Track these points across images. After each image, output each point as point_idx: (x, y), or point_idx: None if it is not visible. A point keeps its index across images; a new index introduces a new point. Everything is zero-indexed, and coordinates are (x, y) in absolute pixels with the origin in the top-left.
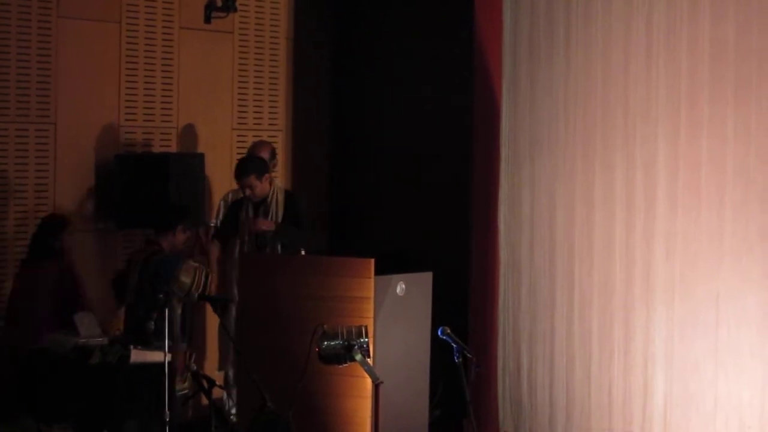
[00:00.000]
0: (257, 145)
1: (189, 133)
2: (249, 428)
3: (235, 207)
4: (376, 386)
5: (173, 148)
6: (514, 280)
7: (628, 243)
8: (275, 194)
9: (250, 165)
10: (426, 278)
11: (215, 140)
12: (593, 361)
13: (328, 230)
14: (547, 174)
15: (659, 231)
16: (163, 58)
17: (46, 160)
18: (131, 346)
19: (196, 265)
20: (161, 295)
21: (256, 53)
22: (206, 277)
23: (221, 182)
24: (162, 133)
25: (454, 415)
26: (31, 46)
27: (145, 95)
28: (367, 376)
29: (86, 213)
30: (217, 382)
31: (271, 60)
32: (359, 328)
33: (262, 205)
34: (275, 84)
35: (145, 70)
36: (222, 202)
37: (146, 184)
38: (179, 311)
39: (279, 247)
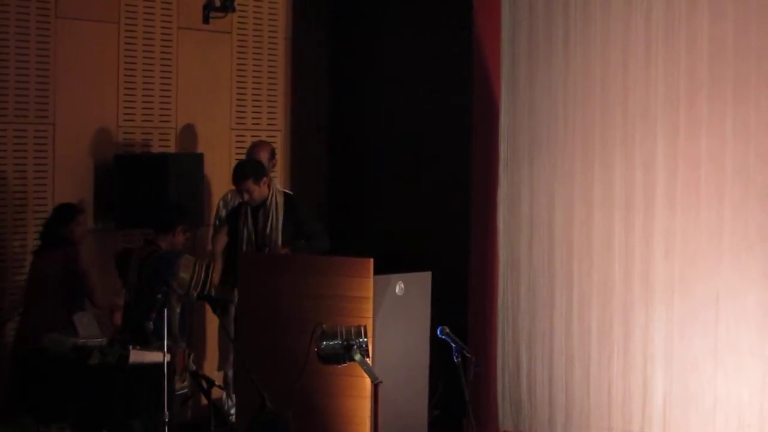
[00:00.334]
0: (257, 145)
1: (188, 133)
2: (248, 428)
3: (233, 215)
4: (376, 386)
5: (172, 149)
6: (513, 280)
7: (628, 242)
8: (274, 197)
9: (247, 169)
10: (425, 278)
11: (214, 140)
12: (592, 360)
13: (327, 230)
14: (546, 173)
15: (658, 230)
16: (161, 59)
17: (45, 160)
18: (130, 347)
19: (194, 259)
20: (160, 296)
21: (254, 53)
22: (206, 271)
23: (220, 182)
24: (161, 134)
25: (454, 415)
26: (30, 46)
27: (144, 95)
28: (366, 375)
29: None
30: (217, 383)
31: (269, 60)
32: (358, 327)
33: (261, 210)
34: (274, 84)
35: (144, 70)
36: (221, 202)
37: (145, 185)
38: (178, 310)
39: None
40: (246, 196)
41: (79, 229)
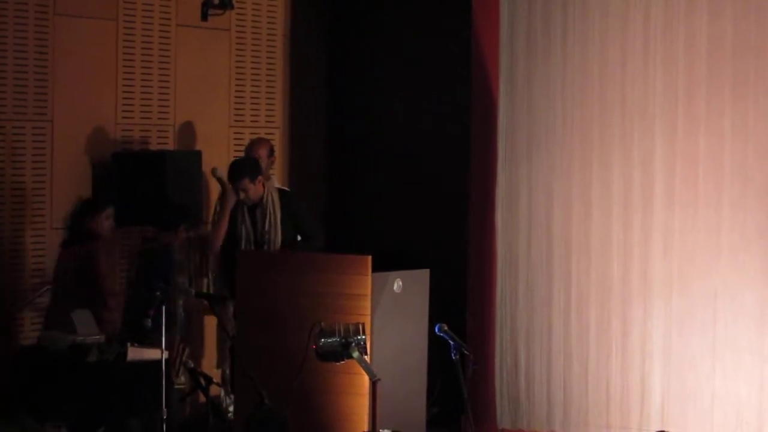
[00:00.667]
0: (255, 143)
1: (186, 130)
2: (246, 425)
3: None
4: (374, 383)
5: (170, 146)
6: (511, 277)
7: (626, 240)
8: (270, 195)
9: (243, 168)
10: (423, 275)
11: (212, 138)
12: (591, 357)
13: (325, 227)
14: (545, 171)
15: (657, 227)
16: (160, 56)
17: (43, 157)
18: (128, 344)
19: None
20: (158, 293)
21: (253, 50)
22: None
23: None
24: (159, 131)
25: (452, 412)
26: (28, 43)
27: (142, 93)
28: (364, 373)
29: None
30: (215, 380)
31: (268, 57)
32: (356, 325)
33: (257, 208)
34: (272, 81)
35: (142, 67)
36: (219, 200)
37: (143, 182)
38: (180, 302)
39: None
40: (242, 195)
41: (106, 223)
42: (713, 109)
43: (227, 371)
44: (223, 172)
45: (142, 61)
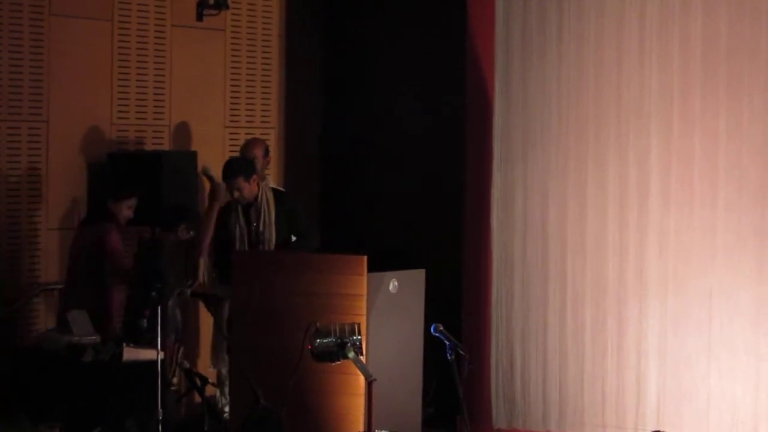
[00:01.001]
0: (250, 143)
1: (181, 131)
2: (242, 425)
3: (223, 214)
4: (369, 383)
5: (166, 146)
6: (507, 277)
7: (621, 239)
8: (264, 194)
9: (237, 166)
10: (419, 275)
11: (208, 138)
12: (586, 357)
13: (320, 227)
14: (540, 171)
15: (652, 227)
16: (155, 56)
17: (39, 158)
18: (124, 344)
19: (178, 254)
20: (154, 293)
21: (248, 51)
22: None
23: None
24: (154, 131)
25: (448, 413)
26: (23, 44)
27: (138, 93)
28: (360, 373)
29: (78, 210)
30: (210, 380)
31: (263, 57)
32: (352, 325)
33: (252, 207)
34: (267, 81)
35: (138, 67)
36: None
37: (139, 182)
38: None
39: None
40: (236, 194)
41: (126, 212)
42: (708, 108)
43: (223, 371)
44: (214, 171)
45: (138, 61)
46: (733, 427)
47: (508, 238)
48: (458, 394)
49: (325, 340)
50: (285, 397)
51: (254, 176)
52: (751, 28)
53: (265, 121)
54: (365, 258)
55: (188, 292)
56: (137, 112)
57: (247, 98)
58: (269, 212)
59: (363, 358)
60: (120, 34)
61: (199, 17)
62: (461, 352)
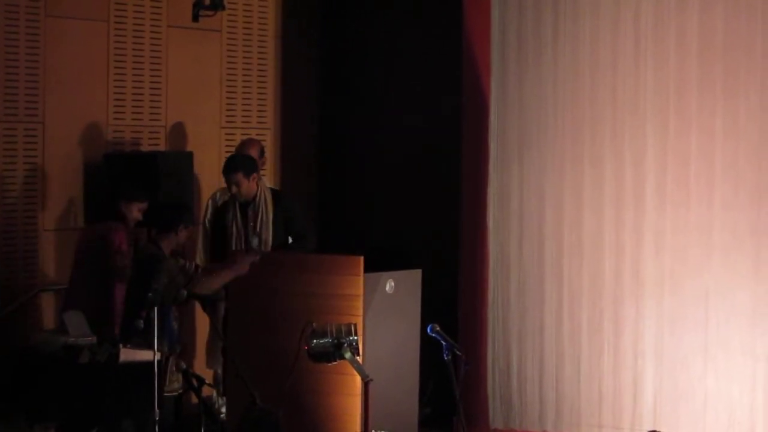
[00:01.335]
0: (246, 143)
1: (177, 131)
2: (238, 426)
3: (221, 212)
4: (366, 384)
5: (162, 147)
6: (503, 277)
7: (618, 239)
8: (263, 194)
9: (238, 162)
10: (415, 276)
11: (204, 139)
12: (583, 357)
13: (317, 228)
14: (536, 171)
15: (648, 226)
16: (151, 57)
17: (35, 159)
18: (120, 345)
19: (177, 264)
20: (150, 294)
21: (244, 51)
22: (186, 276)
23: (210, 181)
24: (150, 132)
25: (444, 413)
26: (19, 45)
27: (134, 94)
28: (356, 373)
29: (75, 211)
30: (207, 381)
31: (259, 58)
32: (348, 325)
33: (250, 206)
34: (264, 82)
35: (134, 68)
36: (210, 201)
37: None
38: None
39: None
40: (234, 189)
41: (136, 214)
42: (704, 107)
43: (219, 372)
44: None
45: (134, 62)
46: (730, 428)
47: (504, 239)
48: (455, 394)
49: (321, 341)
50: (282, 397)
51: (254, 174)
52: (747, 25)
53: (261, 121)
54: (362, 258)
55: (184, 293)
56: (133, 112)
57: (244, 99)
58: (267, 212)
59: (359, 359)
60: (116, 35)
61: (195, 18)
62: (458, 352)
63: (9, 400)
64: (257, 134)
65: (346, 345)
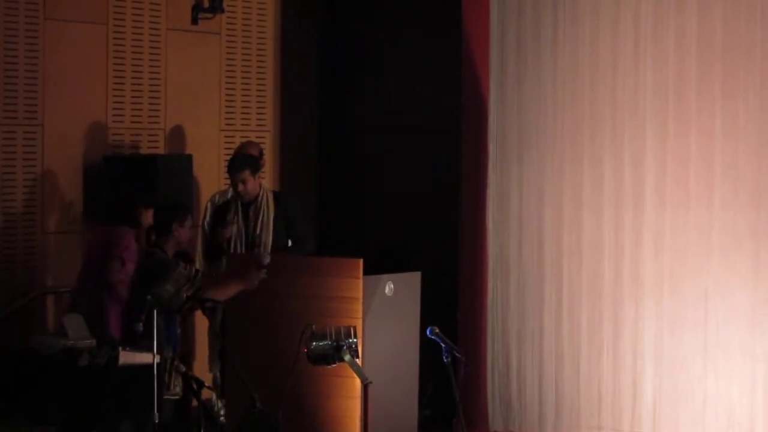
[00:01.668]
0: (245, 146)
1: (177, 134)
2: (238, 429)
3: (221, 212)
4: (365, 386)
5: (161, 150)
6: (502, 279)
7: (617, 239)
8: (265, 195)
9: (246, 160)
10: (415, 278)
11: (203, 141)
12: (582, 358)
13: (316, 230)
14: (535, 172)
15: (648, 227)
16: (150, 60)
17: (34, 161)
18: (120, 348)
19: (187, 274)
20: (149, 297)
21: (243, 54)
22: (193, 288)
23: (209, 183)
24: (150, 135)
25: (444, 415)
26: (19, 48)
27: (133, 96)
28: (356, 376)
29: (74, 214)
30: (206, 383)
31: (258, 61)
32: (348, 328)
33: (252, 206)
34: (263, 85)
35: (133, 71)
36: (209, 204)
37: (134, 186)
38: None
39: None
40: (240, 187)
41: (151, 220)
42: (704, 108)
43: (218, 374)
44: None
45: (133, 64)
46: (729, 429)
47: (503, 240)
48: (454, 396)
49: (321, 343)
50: (281, 400)
51: (259, 173)
52: (746, 25)
53: (260, 123)
54: (361, 261)
55: (184, 296)
56: (132, 115)
57: (243, 101)
58: (268, 213)
59: (359, 361)
60: (115, 38)
61: (194, 20)
62: (457, 354)
63: (9, 402)
64: (256, 136)
65: (345, 347)
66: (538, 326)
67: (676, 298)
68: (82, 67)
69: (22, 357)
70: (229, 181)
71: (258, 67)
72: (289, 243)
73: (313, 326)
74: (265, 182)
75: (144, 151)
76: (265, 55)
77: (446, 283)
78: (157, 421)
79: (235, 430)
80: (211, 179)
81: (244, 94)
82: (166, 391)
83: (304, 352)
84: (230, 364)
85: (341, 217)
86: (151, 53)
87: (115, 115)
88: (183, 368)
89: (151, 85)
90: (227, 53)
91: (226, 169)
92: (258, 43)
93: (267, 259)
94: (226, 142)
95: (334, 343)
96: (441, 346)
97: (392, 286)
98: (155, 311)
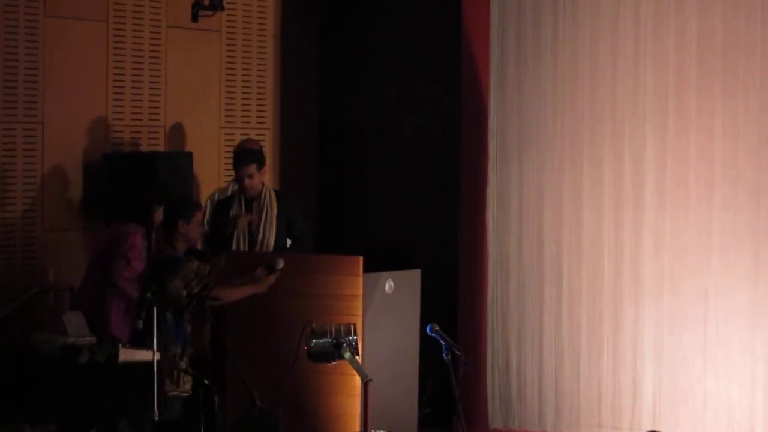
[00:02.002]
0: (245, 143)
1: (177, 131)
2: (238, 427)
3: (223, 207)
4: (365, 384)
5: (161, 147)
6: (502, 277)
7: (617, 239)
8: (268, 192)
9: (253, 155)
10: (414, 276)
11: (203, 139)
12: (582, 357)
13: (316, 228)
14: (535, 171)
15: (648, 226)
16: (150, 57)
17: (34, 159)
18: (120, 345)
19: (196, 270)
20: (149, 294)
21: (243, 52)
22: (203, 287)
23: (209, 181)
24: (150, 132)
25: (444, 413)
26: (19, 45)
27: (133, 94)
28: (356, 373)
29: (74, 211)
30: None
31: (258, 58)
32: (348, 325)
33: (255, 202)
34: (263, 82)
35: (133, 69)
36: (209, 201)
37: (134, 183)
38: (168, 315)
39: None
40: (247, 181)
41: (160, 218)
42: (704, 107)
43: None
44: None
45: (133, 62)
46: (729, 428)
47: (503, 239)
48: (454, 394)
49: (320, 341)
50: (281, 397)
51: (264, 169)
52: (746, 25)
53: (260, 121)
54: (361, 259)
55: (184, 293)
56: (133, 113)
57: (243, 99)
58: (271, 209)
59: (359, 359)
60: (115, 36)
61: (195, 18)
62: (457, 352)
63: (8, 400)
64: (257, 134)
65: (345, 345)
66: (537, 325)
67: (676, 297)
68: (82, 65)
69: (22, 354)
70: (229, 179)
71: (258, 64)
72: (288, 243)
73: (313, 324)
74: (265, 179)
75: (144, 148)
76: (266, 52)
77: (446, 281)
78: (156, 419)
79: (234, 428)
80: (211, 177)
81: (244, 92)
82: (175, 388)
83: (304, 349)
84: (230, 362)
85: (341, 215)
86: (151, 51)
87: (115, 113)
88: (183, 365)
89: (151, 82)
90: (227, 51)
91: (230, 164)
92: (258, 41)
93: (281, 264)
94: (226, 140)
95: (334, 341)
96: (441, 343)
97: (392, 283)
98: (156, 308)
